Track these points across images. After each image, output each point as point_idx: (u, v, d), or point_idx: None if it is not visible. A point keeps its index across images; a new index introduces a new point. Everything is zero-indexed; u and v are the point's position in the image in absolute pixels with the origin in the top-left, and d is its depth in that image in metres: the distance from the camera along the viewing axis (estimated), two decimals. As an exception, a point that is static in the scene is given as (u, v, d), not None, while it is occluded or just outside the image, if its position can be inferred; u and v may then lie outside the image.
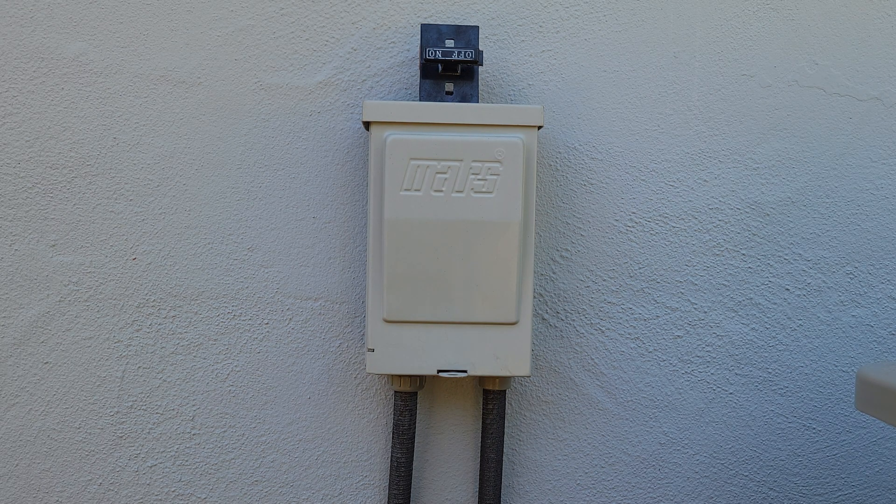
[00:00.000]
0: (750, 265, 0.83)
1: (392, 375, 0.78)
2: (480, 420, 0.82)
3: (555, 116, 0.81)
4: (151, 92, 0.79)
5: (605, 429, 0.83)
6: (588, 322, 0.82)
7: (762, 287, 0.83)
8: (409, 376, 0.77)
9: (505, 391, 0.79)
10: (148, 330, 0.80)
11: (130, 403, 0.80)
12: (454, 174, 0.73)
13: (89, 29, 0.78)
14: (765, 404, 0.84)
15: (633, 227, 0.82)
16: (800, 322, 0.84)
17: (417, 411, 0.80)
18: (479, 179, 0.74)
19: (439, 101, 0.77)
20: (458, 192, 0.73)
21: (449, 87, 0.77)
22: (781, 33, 0.82)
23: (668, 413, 0.84)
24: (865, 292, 0.84)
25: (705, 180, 0.82)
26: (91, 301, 0.79)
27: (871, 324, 0.84)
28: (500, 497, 0.80)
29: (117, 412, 0.80)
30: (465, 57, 0.75)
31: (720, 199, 0.83)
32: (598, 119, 0.82)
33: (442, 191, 0.73)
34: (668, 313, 0.83)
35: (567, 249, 0.82)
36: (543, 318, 0.82)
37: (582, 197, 0.82)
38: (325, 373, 0.81)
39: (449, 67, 0.76)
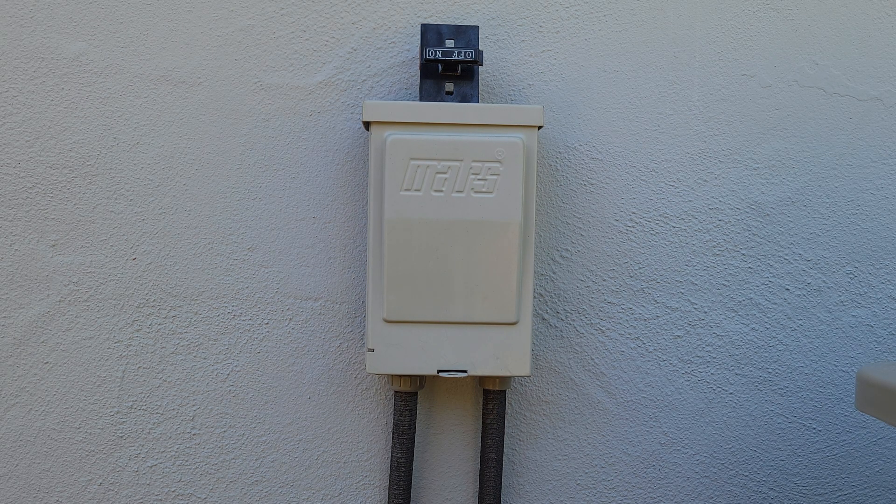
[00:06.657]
0: (750, 265, 0.83)
1: (392, 375, 0.78)
2: (480, 420, 0.82)
3: (555, 116, 0.81)
4: (151, 92, 0.79)
5: (605, 429, 0.83)
6: (588, 322, 0.82)
7: (762, 287, 0.83)
8: (409, 376, 0.77)
9: (505, 391, 0.79)
10: (148, 330, 0.80)
11: (130, 403, 0.80)
12: (454, 174, 0.73)
13: (89, 29, 0.78)
14: (765, 404, 0.84)
15: (633, 227, 0.82)
16: (800, 322, 0.84)
17: (417, 411, 0.80)
18: (479, 179, 0.74)
19: (439, 101, 0.77)
20: (458, 192, 0.73)
21: (449, 87, 0.77)
22: (781, 33, 0.82)
23: (668, 413, 0.84)
24: (865, 292, 0.84)
25: (705, 180, 0.82)
26: (91, 301, 0.79)
27: (871, 324, 0.84)
28: (500, 497, 0.80)
29: (117, 412, 0.80)
30: (465, 57, 0.75)
31: (720, 199, 0.83)
32: (598, 119, 0.82)
33: (442, 191, 0.73)
34: (668, 313, 0.83)
35: (567, 249, 0.82)
36: (543, 318, 0.82)
37: (582, 197, 0.82)
38: (325, 373, 0.81)
39: (449, 67, 0.76)
